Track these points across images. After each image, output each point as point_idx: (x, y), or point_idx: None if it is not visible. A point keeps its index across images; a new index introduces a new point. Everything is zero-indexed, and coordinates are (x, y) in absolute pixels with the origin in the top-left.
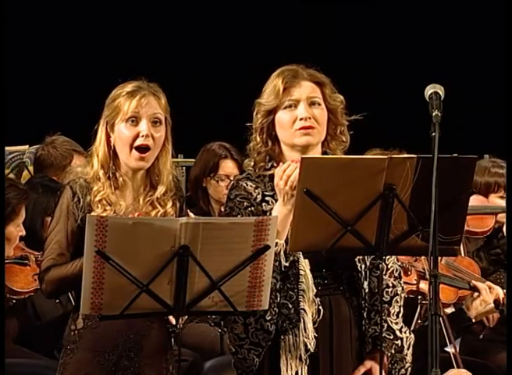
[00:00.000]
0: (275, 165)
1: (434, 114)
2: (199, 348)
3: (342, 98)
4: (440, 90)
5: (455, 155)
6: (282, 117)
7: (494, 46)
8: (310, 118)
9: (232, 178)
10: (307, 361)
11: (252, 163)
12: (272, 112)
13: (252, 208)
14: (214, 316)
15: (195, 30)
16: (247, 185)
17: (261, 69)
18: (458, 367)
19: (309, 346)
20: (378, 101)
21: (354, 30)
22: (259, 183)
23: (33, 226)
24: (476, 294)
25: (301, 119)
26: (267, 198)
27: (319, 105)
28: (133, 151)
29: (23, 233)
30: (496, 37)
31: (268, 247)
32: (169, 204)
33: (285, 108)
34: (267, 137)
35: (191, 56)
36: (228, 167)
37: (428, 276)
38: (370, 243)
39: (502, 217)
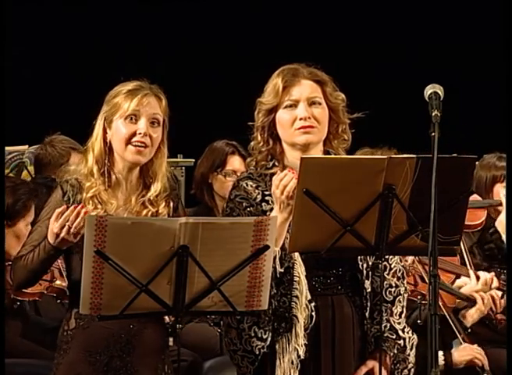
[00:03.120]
0: (276, 164)
1: (433, 114)
2: (199, 348)
3: (343, 96)
4: (440, 90)
5: (455, 155)
6: (282, 117)
7: (494, 46)
8: (309, 117)
9: (239, 174)
10: (299, 366)
11: (254, 162)
12: (273, 110)
13: (251, 209)
14: (213, 316)
15: (194, 28)
16: (247, 185)
17: (261, 68)
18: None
19: (299, 352)
20: (377, 101)
21: (355, 29)
22: (260, 183)
23: None
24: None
25: (301, 118)
26: (267, 198)
27: (319, 104)
28: (130, 146)
29: None
30: (496, 37)
31: (267, 247)
32: (162, 204)
33: (285, 107)
34: (268, 136)
35: (190, 56)
36: (235, 163)
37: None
38: (369, 243)
39: (495, 211)
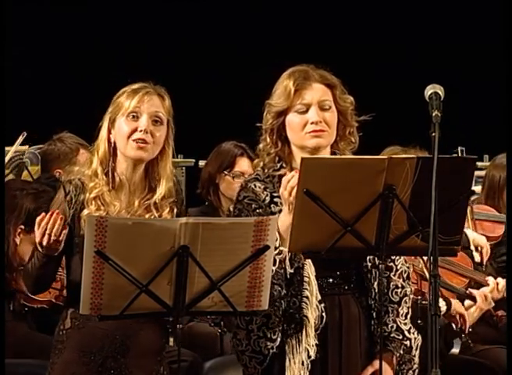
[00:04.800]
0: (284, 165)
1: (434, 114)
2: (199, 348)
3: (352, 99)
4: (440, 90)
5: (455, 155)
6: (292, 120)
7: (494, 46)
8: (321, 122)
9: (246, 176)
10: (309, 366)
11: (261, 164)
12: (283, 113)
13: (260, 210)
14: (214, 316)
15: (194, 28)
16: (255, 186)
17: (261, 68)
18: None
19: (310, 352)
20: (378, 101)
21: (355, 29)
22: (268, 184)
23: None
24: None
25: (312, 123)
26: (275, 199)
27: (330, 107)
28: (131, 141)
29: None
30: (496, 36)
31: (267, 247)
32: (166, 209)
33: (296, 111)
34: (277, 138)
35: (190, 56)
36: (244, 165)
37: (426, 277)
38: (370, 243)
39: None
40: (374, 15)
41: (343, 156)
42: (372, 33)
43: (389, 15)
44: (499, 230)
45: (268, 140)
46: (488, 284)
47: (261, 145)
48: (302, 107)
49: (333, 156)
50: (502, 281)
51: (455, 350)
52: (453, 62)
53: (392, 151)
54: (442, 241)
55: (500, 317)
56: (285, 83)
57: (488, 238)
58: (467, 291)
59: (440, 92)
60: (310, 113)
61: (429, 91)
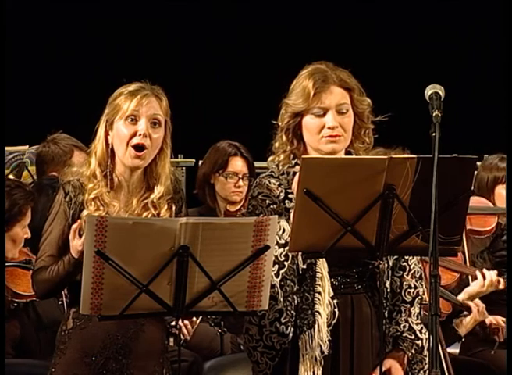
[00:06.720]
0: (298, 162)
1: (434, 114)
2: (199, 348)
3: (369, 100)
4: (440, 90)
5: (455, 155)
6: (309, 122)
7: (494, 46)
8: (337, 127)
9: (240, 176)
10: (322, 362)
11: (276, 161)
12: (300, 114)
13: (274, 206)
14: (214, 316)
15: (194, 28)
16: (269, 183)
17: (262, 68)
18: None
19: (323, 348)
20: (378, 101)
21: (355, 29)
22: (282, 181)
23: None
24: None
25: (329, 128)
26: (290, 196)
27: (347, 111)
28: (129, 148)
29: (28, 235)
30: (496, 36)
31: (267, 247)
32: (164, 207)
33: (313, 113)
34: (292, 137)
35: (190, 56)
36: (237, 165)
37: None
38: (370, 243)
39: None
40: (374, 15)
41: (343, 156)
42: (372, 33)
43: (389, 15)
44: (492, 223)
45: (284, 138)
46: (476, 278)
47: (276, 144)
48: (319, 111)
49: (333, 156)
50: (489, 274)
51: (455, 350)
52: (453, 62)
53: (376, 153)
54: (443, 241)
55: (493, 330)
56: (304, 84)
57: (481, 233)
58: (463, 302)
59: (440, 92)
60: (327, 117)
61: (429, 91)
